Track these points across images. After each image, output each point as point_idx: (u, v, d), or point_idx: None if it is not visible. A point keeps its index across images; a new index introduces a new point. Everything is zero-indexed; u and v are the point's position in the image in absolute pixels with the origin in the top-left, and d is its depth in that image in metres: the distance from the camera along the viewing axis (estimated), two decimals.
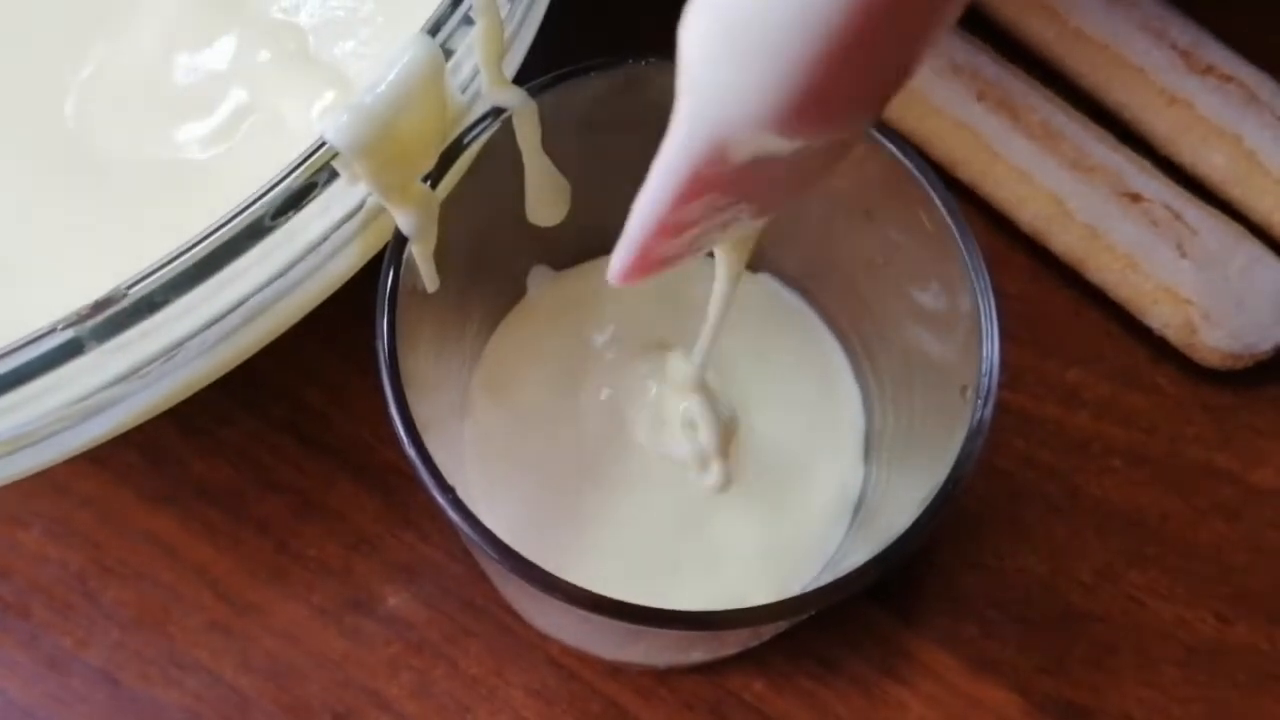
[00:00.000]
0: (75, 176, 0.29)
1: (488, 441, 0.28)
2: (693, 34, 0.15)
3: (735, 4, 0.14)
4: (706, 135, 0.16)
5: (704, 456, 0.28)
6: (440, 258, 0.25)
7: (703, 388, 0.27)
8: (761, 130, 0.15)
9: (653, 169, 0.17)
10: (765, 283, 0.30)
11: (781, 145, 0.16)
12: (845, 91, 0.15)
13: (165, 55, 0.30)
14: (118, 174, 0.29)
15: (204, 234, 0.22)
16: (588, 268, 0.30)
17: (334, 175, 0.23)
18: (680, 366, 0.27)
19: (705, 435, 0.27)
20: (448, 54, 0.23)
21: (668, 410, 0.28)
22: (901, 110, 0.34)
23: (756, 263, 0.30)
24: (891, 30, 0.14)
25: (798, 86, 0.14)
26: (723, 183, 0.17)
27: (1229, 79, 0.33)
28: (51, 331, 0.22)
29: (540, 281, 0.30)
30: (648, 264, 0.19)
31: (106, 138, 0.30)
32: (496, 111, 0.25)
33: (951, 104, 0.33)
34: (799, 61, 0.14)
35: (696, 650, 0.28)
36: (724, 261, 0.24)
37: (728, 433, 0.28)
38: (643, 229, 0.18)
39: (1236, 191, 0.33)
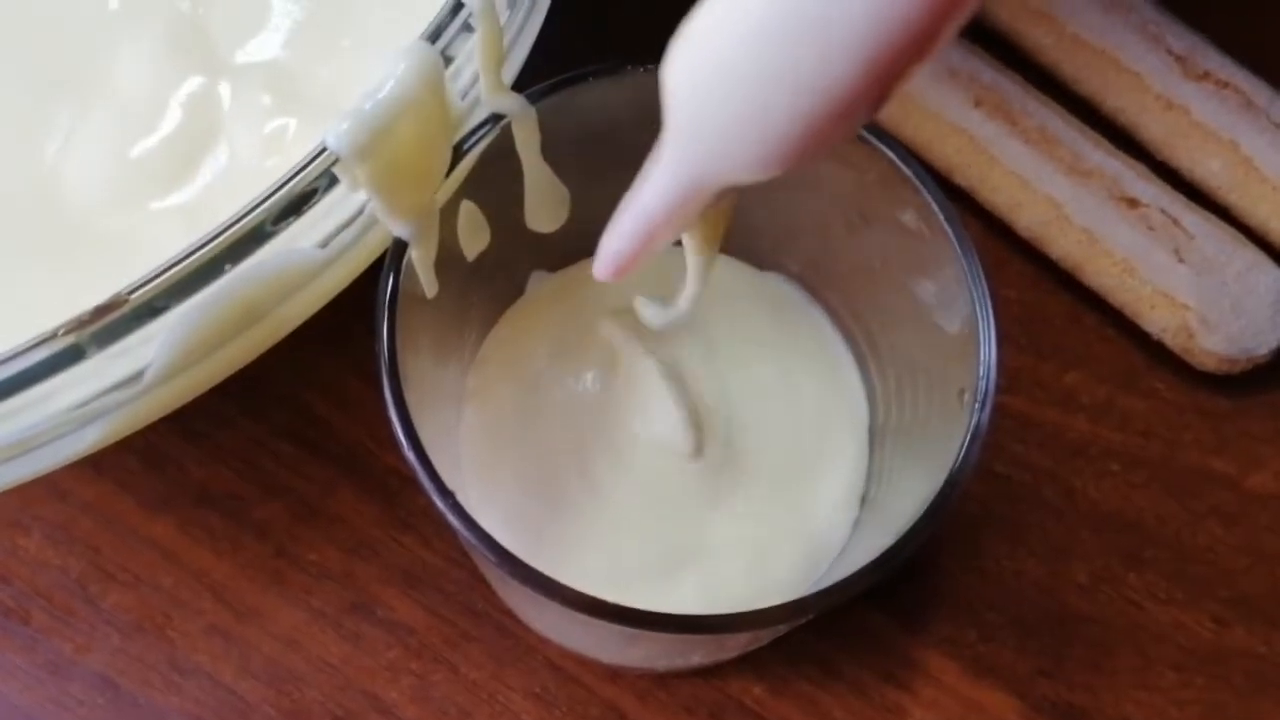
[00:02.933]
0: (49, 228, 0.29)
1: (483, 442, 0.28)
2: (682, 77, 0.15)
3: (728, 52, 0.14)
4: (695, 177, 0.17)
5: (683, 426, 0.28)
6: (440, 263, 0.25)
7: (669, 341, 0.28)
8: (748, 174, 0.16)
9: (641, 191, 0.19)
10: (773, 280, 0.30)
11: (764, 178, 0.17)
12: (829, 139, 0.15)
13: (133, 109, 0.30)
14: (92, 228, 0.29)
15: (205, 240, 0.22)
16: (583, 265, 0.30)
17: (334, 181, 0.23)
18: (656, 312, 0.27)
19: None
20: (447, 60, 0.24)
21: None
22: (899, 116, 0.34)
23: (764, 262, 0.30)
24: (884, 84, 0.14)
25: (787, 139, 0.15)
26: (702, 204, 0.18)
27: (1225, 85, 0.33)
28: (53, 337, 0.22)
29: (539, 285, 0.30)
30: (634, 265, 0.21)
31: (80, 192, 0.30)
32: (496, 118, 0.25)
33: (949, 109, 0.33)
34: (791, 117, 0.14)
35: (695, 653, 0.28)
36: (694, 236, 0.24)
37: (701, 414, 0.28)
38: (632, 240, 0.20)
39: (1233, 197, 0.33)
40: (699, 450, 0.28)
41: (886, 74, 0.14)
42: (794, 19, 0.13)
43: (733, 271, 0.30)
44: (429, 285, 0.25)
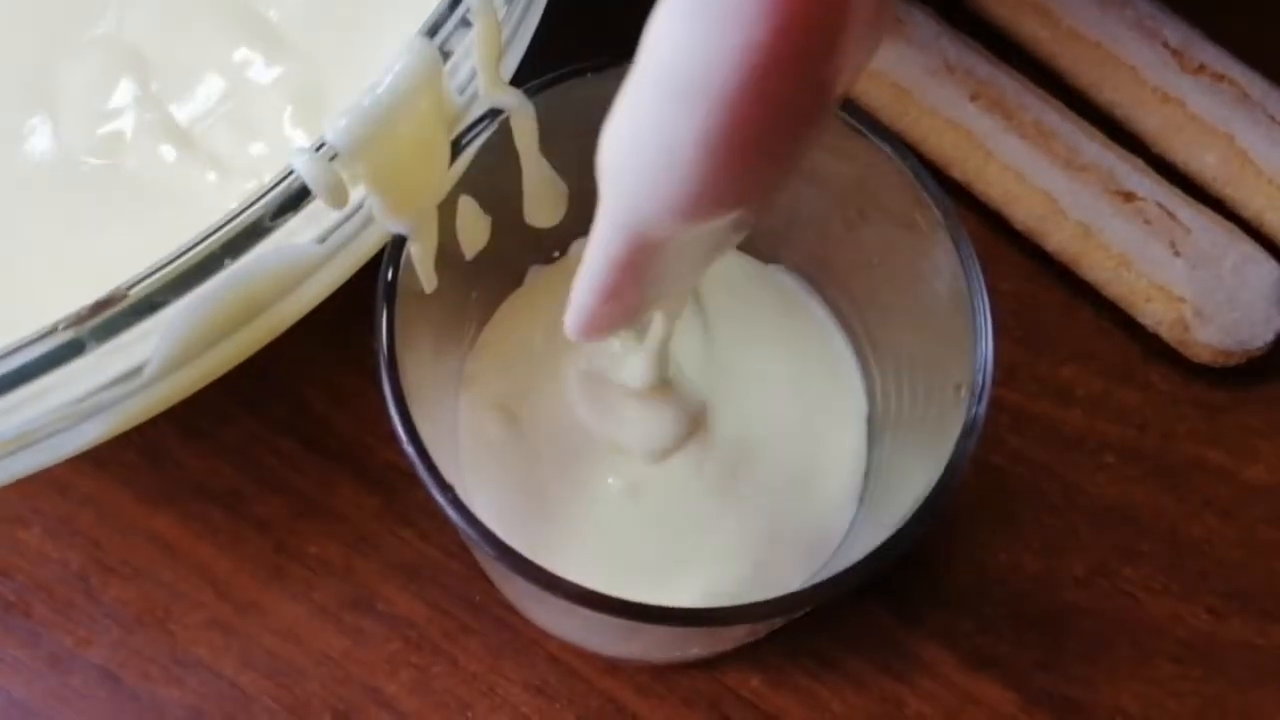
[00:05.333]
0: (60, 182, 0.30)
1: (480, 434, 0.29)
2: (608, 140, 0.18)
3: (637, 108, 0.17)
4: (628, 227, 0.19)
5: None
6: (438, 258, 0.25)
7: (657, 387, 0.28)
8: (670, 220, 0.18)
9: (587, 251, 0.20)
10: (775, 273, 0.30)
11: (692, 231, 0.19)
12: (728, 189, 0.18)
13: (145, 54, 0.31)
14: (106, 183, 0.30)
15: (204, 234, 0.22)
16: (578, 253, 0.30)
17: None
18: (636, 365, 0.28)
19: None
20: (445, 55, 0.24)
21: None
22: (896, 110, 0.34)
23: (766, 255, 0.30)
24: (760, 143, 0.17)
25: (695, 175, 0.17)
26: (651, 259, 0.20)
27: (1221, 78, 0.33)
28: (52, 332, 0.22)
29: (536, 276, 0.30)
30: (598, 325, 0.22)
31: (96, 145, 0.30)
32: (494, 113, 0.25)
33: (945, 104, 0.33)
34: (686, 166, 0.17)
35: (694, 646, 0.28)
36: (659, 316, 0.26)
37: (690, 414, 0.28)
38: (590, 299, 0.21)
39: (1228, 190, 0.33)
40: (684, 443, 0.28)
41: (760, 112, 0.16)
42: (674, 73, 0.16)
43: (736, 264, 0.31)
44: (428, 281, 0.25)
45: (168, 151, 0.30)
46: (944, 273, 0.24)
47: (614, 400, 0.28)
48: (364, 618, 0.30)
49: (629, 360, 0.28)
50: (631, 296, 0.21)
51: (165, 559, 0.31)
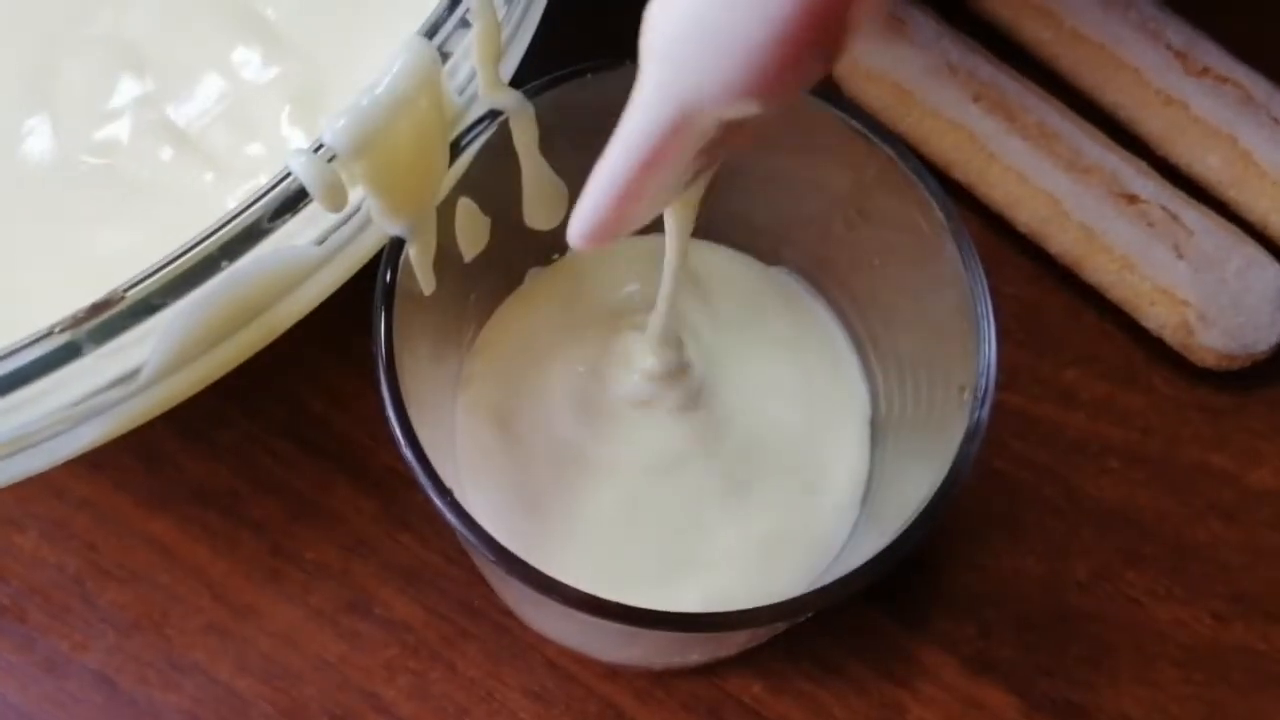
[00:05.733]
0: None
1: (479, 436, 0.28)
2: (665, 13, 0.17)
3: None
4: (675, 105, 0.18)
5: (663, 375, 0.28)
6: (437, 260, 0.25)
7: (671, 342, 0.27)
8: (726, 98, 0.17)
9: (615, 140, 0.19)
10: (778, 275, 0.30)
11: (741, 111, 0.18)
12: (785, 73, 0.17)
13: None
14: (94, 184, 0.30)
15: (201, 236, 0.22)
16: (576, 254, 0.30)
17: None
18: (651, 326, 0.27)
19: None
20: (444, 56, 0.23)
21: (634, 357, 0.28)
22: (898, 112, 0.34)
23: (768, 257, 0.30)
24: (826, 30, 0.16)
25: (759, 48, 0.16)
26: (684, 149, 0.19)
27: (1225, 80, 0.33)
28: (49, 334, 0.22)
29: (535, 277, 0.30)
30: (612, 229, 0.20)
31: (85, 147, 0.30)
32: (493, 114, 0.25)
33: (948, 105, 0.33)
34: (761, 36, 0.16)
35: (694, 652, 0.28)
36: (674, 215, 0.24)
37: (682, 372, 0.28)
38: (609, 196, 0.19)
39: (1232, 193, 0.33)
40: (675, 366, 0.28)
41: None
42: None
43: (738, 265, 0.30)
44: (426, 283, 0.25)
45: (166, 151, 0.29)
46: (947, 275, 0.24)
47: (610, 415, 0.28)
48: (361, 622, 0.30)
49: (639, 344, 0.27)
50: (641, 200, 0.20)
51: (162, 562, 0.31)
